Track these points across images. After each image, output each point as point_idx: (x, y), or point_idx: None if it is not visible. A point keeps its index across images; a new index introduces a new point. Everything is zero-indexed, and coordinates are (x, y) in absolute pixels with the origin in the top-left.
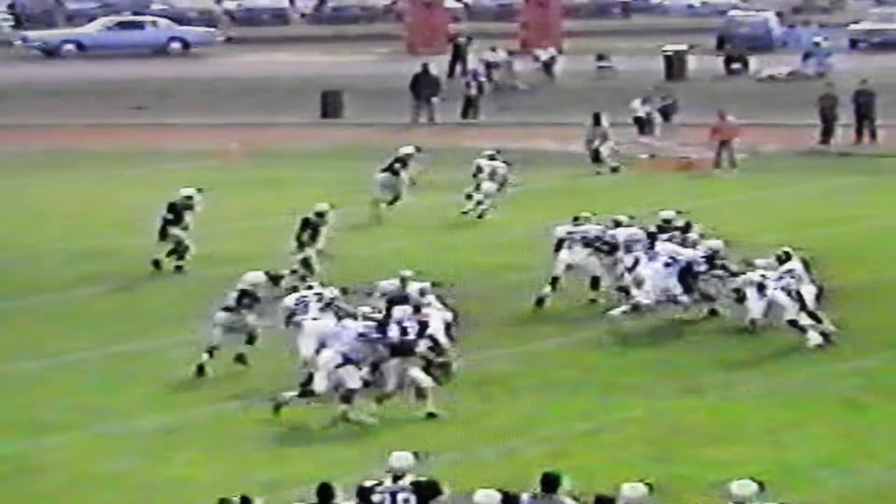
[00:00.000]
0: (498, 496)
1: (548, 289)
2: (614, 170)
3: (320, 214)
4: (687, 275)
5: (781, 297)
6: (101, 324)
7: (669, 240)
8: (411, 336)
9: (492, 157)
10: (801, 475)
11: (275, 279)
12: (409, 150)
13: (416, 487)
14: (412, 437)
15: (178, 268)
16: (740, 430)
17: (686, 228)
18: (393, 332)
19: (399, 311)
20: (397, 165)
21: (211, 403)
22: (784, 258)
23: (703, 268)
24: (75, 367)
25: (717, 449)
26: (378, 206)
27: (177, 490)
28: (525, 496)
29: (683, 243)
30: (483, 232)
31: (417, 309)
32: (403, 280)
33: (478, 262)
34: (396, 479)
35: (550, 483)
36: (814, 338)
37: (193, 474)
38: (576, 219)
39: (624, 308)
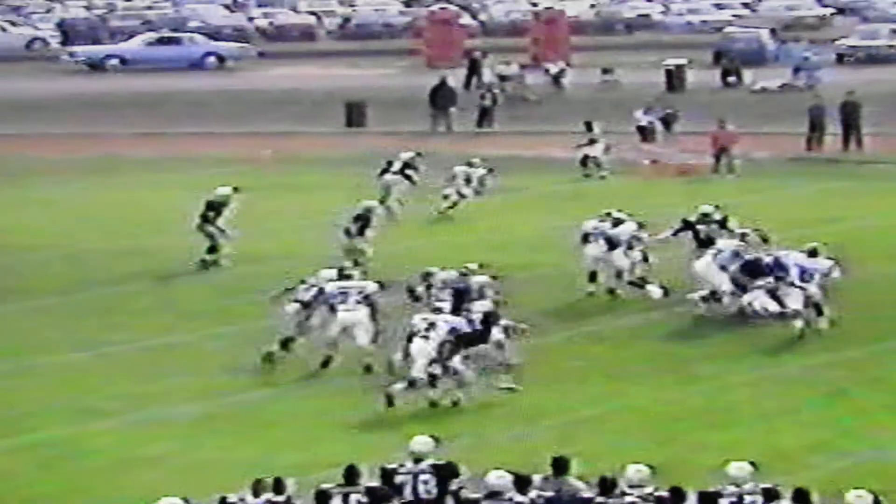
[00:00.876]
0: (510, 477)
1: (592, 287)
2: (587, 176)
3: (369, 209)
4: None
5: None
6: (142, 318)
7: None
8: (478, 327)
9: (469, 164)
10: (793, 459)
11: (346, 277)
12: (410, 154)
13: (436, 469)
14: (430, 424)
15: (206, 262)
16: (736, 417)
17: (723, 222)
18: (464, 324)
19: (479, 305)
20: (410, 171)
21: (243, 392)
22: (813, 253)
23: (749, 257)
24: (118, 358)
25: (715, 434)
26: (391, 205)
27: (212, 472)
28: (537, 478)
29: (743, 241)
30: (492, 232)
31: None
32: (466, 273)
33: (487, 261)
34: (417, 461)
35: (560, 466)
36: (798, 326)
37: (228, 457)
38: (603, 215)
39: (703, 293)
